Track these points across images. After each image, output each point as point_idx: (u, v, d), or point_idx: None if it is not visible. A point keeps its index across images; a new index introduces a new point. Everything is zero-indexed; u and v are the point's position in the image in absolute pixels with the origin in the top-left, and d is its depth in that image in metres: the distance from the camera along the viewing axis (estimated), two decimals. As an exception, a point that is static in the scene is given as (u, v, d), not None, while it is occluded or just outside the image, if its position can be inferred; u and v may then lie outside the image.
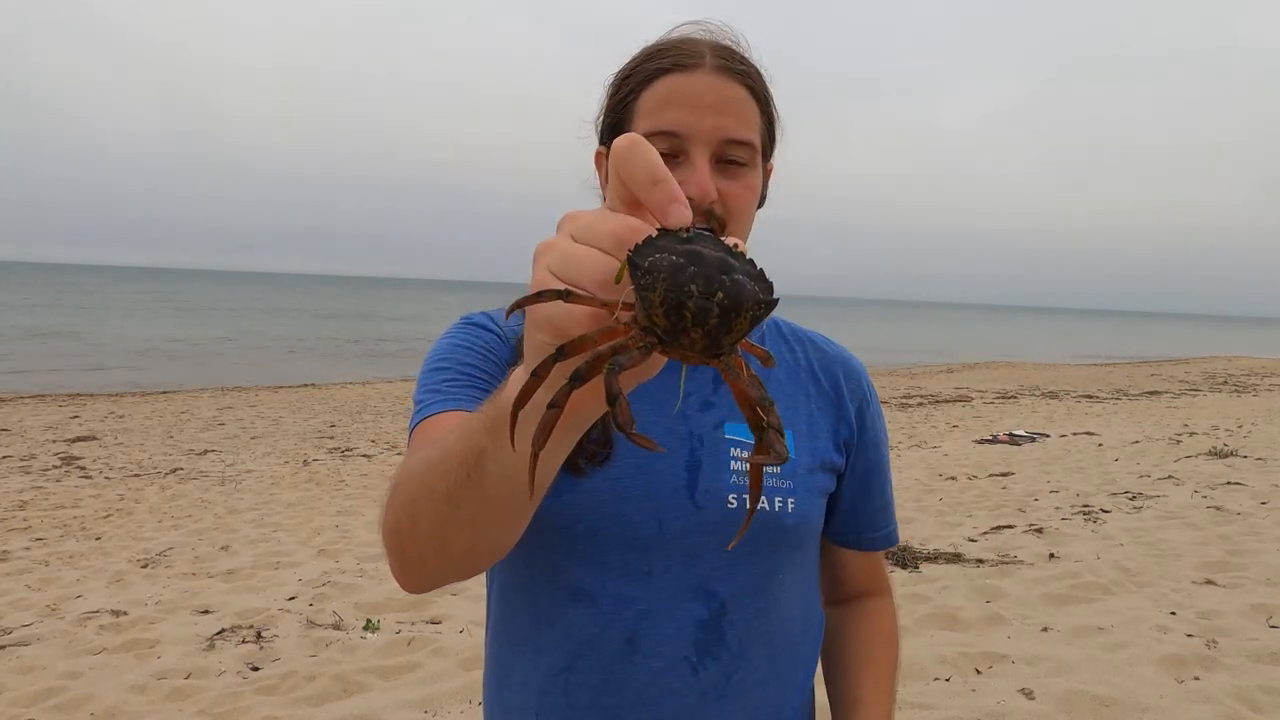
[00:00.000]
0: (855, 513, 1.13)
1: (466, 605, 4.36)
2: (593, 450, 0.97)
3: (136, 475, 7.96)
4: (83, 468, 8.26)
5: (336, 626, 4.10)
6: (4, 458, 8.70)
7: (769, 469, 0.99)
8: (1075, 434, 10.68)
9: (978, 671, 3.43)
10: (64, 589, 4.72)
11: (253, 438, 10.25)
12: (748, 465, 0.99)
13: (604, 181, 1.00)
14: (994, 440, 10.17)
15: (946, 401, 15.29)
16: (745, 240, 0.99)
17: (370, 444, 9.78)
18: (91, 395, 15.00)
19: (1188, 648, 3.56)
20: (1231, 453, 8.35)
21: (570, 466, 0.96)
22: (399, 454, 9.09)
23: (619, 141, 0.56)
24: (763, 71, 1.00)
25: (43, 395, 14.68)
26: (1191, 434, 10.06)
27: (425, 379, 1.00)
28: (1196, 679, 3.31)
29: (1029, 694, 3.21)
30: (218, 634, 4.01)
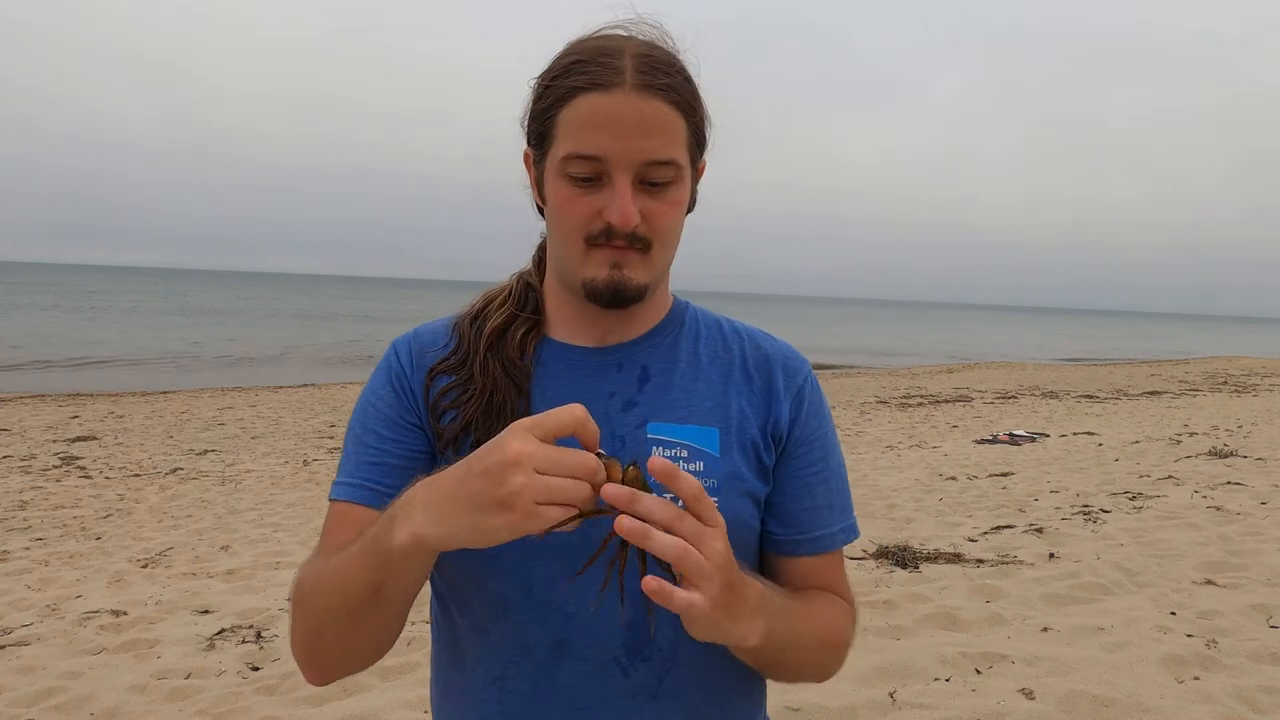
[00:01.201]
0: (793, 512, 1.06)
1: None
2: None
3: (136, 475, 7.97)
4: (83, 468, 8.27)
5: (336, 626, 4.10)
6: (4, 458, 8.70)
7: (691, 467, 0.99)
8: (1075, 434, 10.68)
9: (978, 671, 3.43)
10: (64, 589, 4.72)
11: (253, 438, 10.25)
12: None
13: (534, 181, 1.02)
14: (994, 440, 10.18)
15: (946, 401, 15.30)
16: (671, 251, 1.00)
17: (370, 444, 9.79)
18: (91, 395, 15.01)
19: (1188, 648, 3.56)
20: (1231, 453, 8.35)
21: None
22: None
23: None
24: (689, 70, 0.97)
25: (43, 395, 14.69)
26: (1191, 434, 10.06)
27: (348, 437, 1.06)
28: (1196, 679, 3.31)
29: (1029, 694, 3.21)
30: (218, 634, 4.01)
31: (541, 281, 1.09)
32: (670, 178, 0.94)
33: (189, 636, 4.00)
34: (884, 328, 61.15)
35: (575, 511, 0.75)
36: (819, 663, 1.03)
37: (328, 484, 8.02)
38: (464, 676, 1.03)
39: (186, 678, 3.58)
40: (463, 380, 1.03)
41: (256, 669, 3.65)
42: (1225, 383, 19.35)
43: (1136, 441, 9.68)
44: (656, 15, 0.99)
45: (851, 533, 1.10)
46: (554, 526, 0.75)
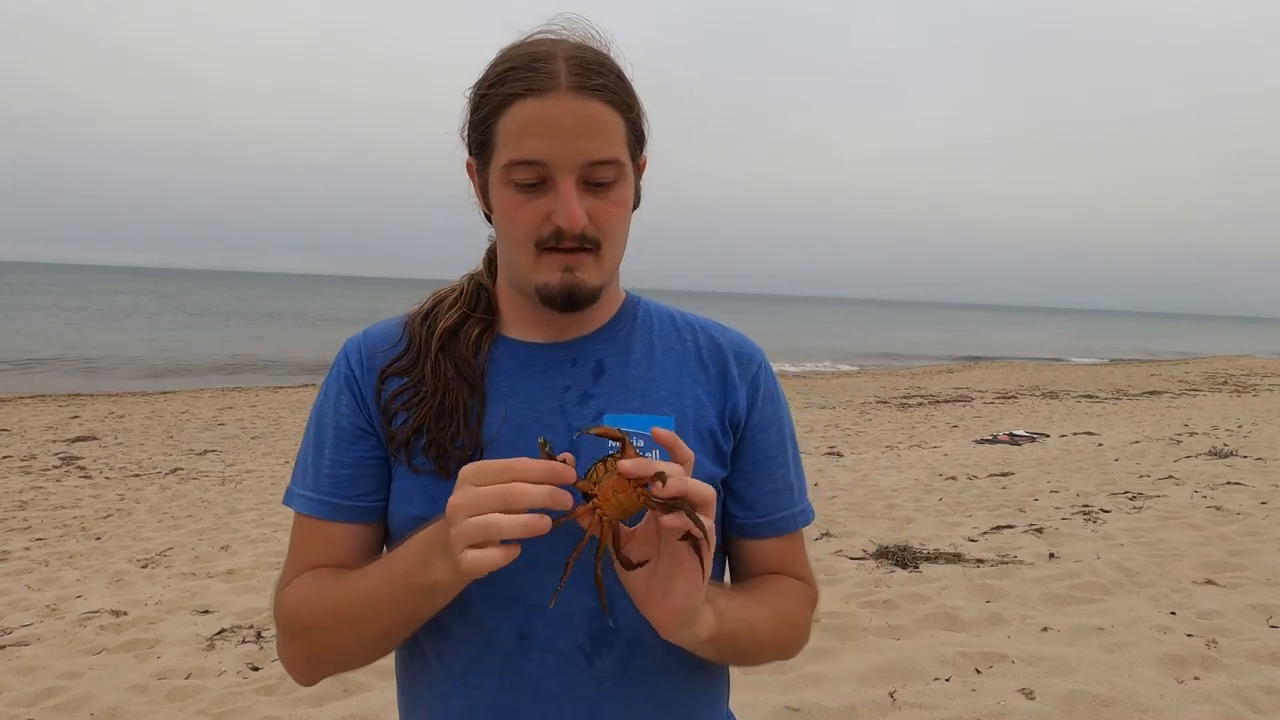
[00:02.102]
0: (754, 495, 1.09)
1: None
2: (460, 455, 0.98)
3: (136, 475, 7.96)
4: (83, 468, 8.27)
5: (336, 626, 4.10)
6: (4, 458, 8.70)
7: (645, 454, 1.00)
8: (1075, 434, 10.68)
9: (978, 671, 3.43)
10: (64, 589, 4.72)
11: (253, 438, 10.25)
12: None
13: (478, 189, 1.02)
14: (994, 440, 10.18)
15: (946, 401, 15.30)
16: (621, 250, 1.02)
17: (370, 444, 9.79)
18: (91, 395, 15.01)
19: (1188, 648, 3.56)
20: (1231, 453, 8.35)
21: (440, 471, 0.99)
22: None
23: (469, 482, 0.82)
24: (622, 67, 0.98)
25: (43, 395, 14.69)
26: (1191, 434, 10.06)
27: (304, 442, 1.08)
28: (1196, 679, 3.31)
29: (1029, 694, 3.21)
30: (218, 634, 4.01)
31: (494, 282, 1.10)
32: (613, 176, 0.95)
33: (189, 636, 4.00)
34: (885, 328, 61.17)
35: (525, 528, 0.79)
36: (780, 643, 1.05)
37: (328, 484, 8.05)
38: (428, 674, 1.04)
39: (186, 678, 3.58)
40: (414, 381, 1.03)
41: (256, 669, 3.65)
42: (1225, 383, 19.35)
43: (1136, 441, 9.68)
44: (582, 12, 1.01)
45: (809, 514, 1.13)
46: (528, 535, 0.79)
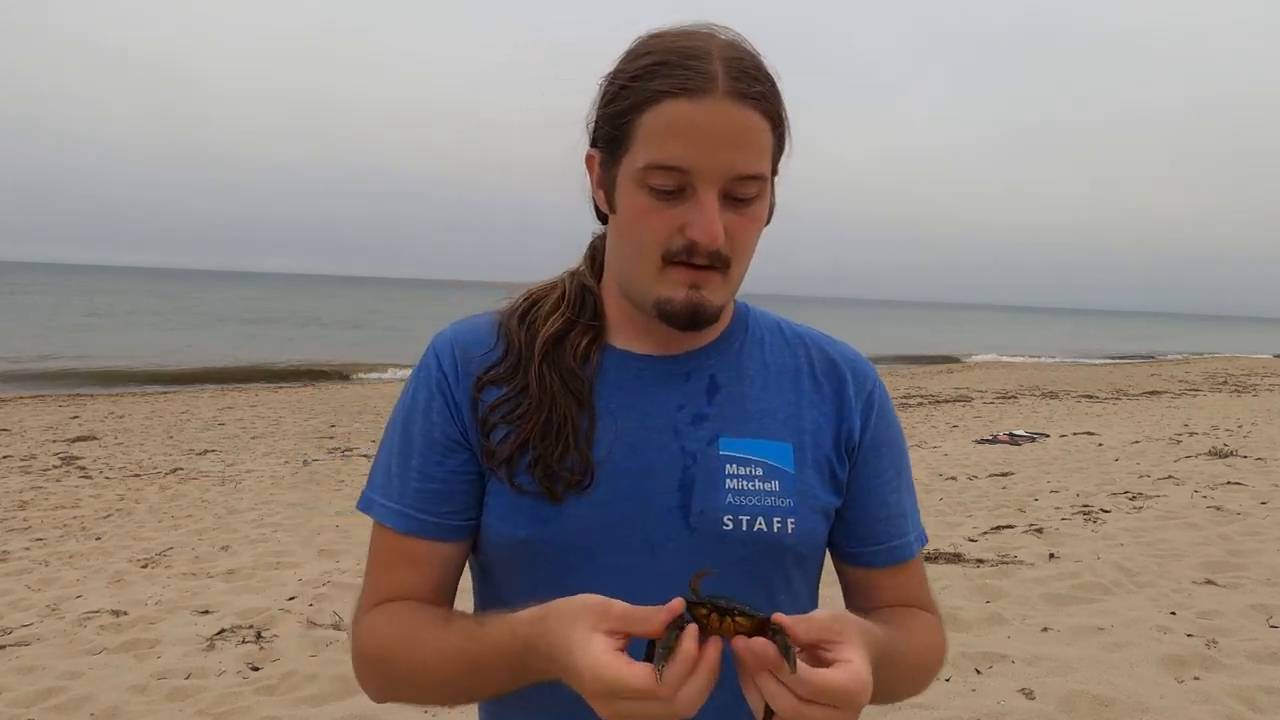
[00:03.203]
0: (862, 525, 1.01)
1: (466, 605, 4.35)
2: (570, 478, 0.91)
3: (136, 475, 7.96)
4: (83, 468, 8.26)
5: (336, 626, 4.10)
6: (4, 458, 8.70)
7: (765, 487, 0.94)
8: (1075, 434, 10.68)
9: (978, 671, 3.43)
10: (64, 589, 4.72)
11: (253, 438, 10.25)
12: (747, 484, 0.93)
13: (596, 184, 0.95)
14: (994, 440, 10.18)
15: (946, 401, 15.30)
16: (746, 268, 0.94)
17: (370, 444, 9.78)
18: (91, 395, 15.01)
19: (1188, 648, 3.56)
20: (1231, 453, 8.35)
21: (548, 493, 0.91)
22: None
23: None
24: (775, 77, 0.90)
25: (43, 395, 14.69)
26: (1191, 434, 10.06)
27: (386, 444, 1.00)
28: (1196, 679, 3.31)
29: (1029, 694, 3.21)
30: (218, 634, 4.01)
31: (598, 282, 1.02)
32: (755, 192, 0.88)
33: (189, 636, 4.00)
34: (885, 328, 61.17)
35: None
36: (918, 684, 1.00)
37: (328, 484, 8.01)
38: (522, 697, 0.92)
39: (186, 678, 3.58)
40: (515, 392, 0.95)
41: (256, 669, 3.65)
42: (1225, 383, 19.35)
43: (1136, 441, 9.68)
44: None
45: (922, 539, 1.06)
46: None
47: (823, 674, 0.71)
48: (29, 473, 7.99)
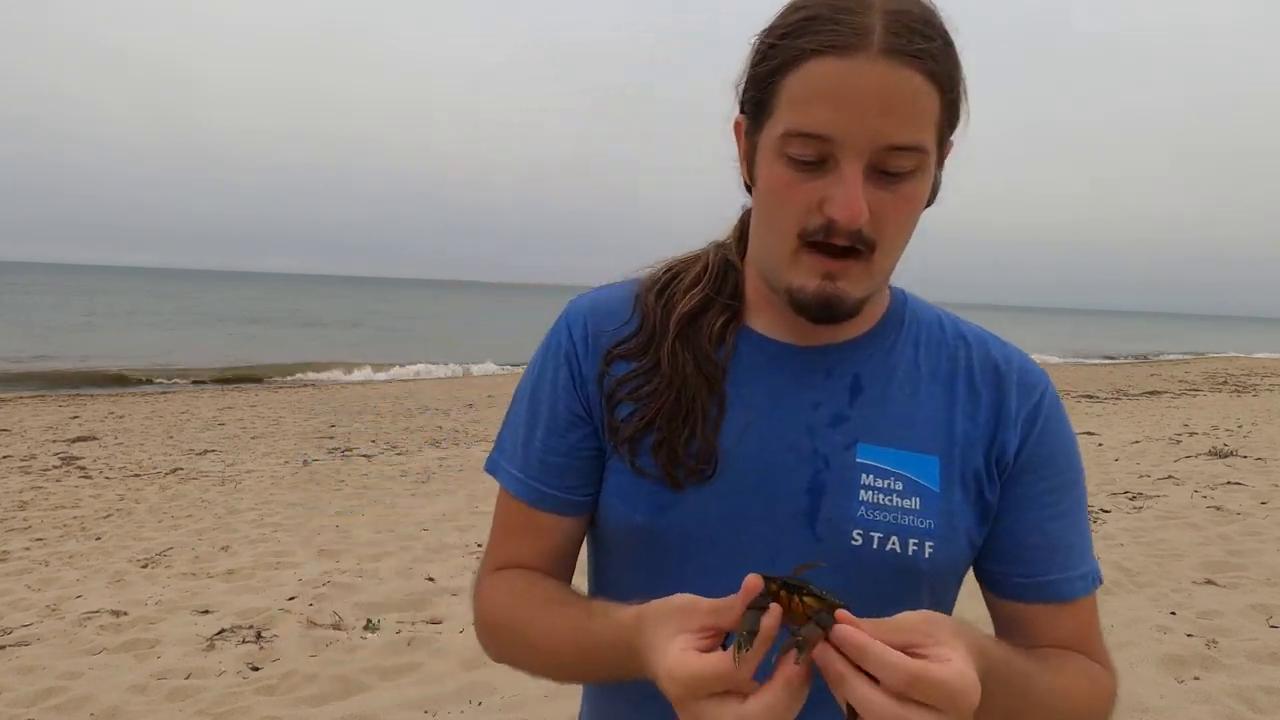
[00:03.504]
0: (1015, 549, 0.89)
1: (467, 606, 4.35)
2: (693, 465, 0.86)
3: (136, 475, 7.96)
4: (83, 468, 8.26)
5: (336, 626, 4.10)
6: (4, 458, 8.69)
7: (904, 504, 0.85)
8: (1075, 433, 10.67)
9: (978, 671, 3.43)
10: (64, 589, 4.72)
11: (253, 438, 10.24)
12: (884, 498, 0.85)
13: (743, 154, 0.87)
14: (994, 440, 10.17)
15: (946, 401, 15.27)
16: (897, 256, 0.84)
17: (370, 444, 9.78)
18: (91, 395, 15.01)
19: (1188, 648, 3.56)
20: (1231, 453, 8.35)
21: (669, 479, 0.87)
22: (399, 454, 9.09)
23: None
24: (950, 30, 0.78)
25: (43, 395, 14.69)
26: (1191, 434, 10.06)
27: (514, 409, 0.98)
28: (1196, 679, 3.31)
29: (1029, 694, 3.21)
30: (218, 634, 4.01)
31: (742, 259, 0.94)
32: (911, 167, 0.77)
33: (189, 636, 4.00)
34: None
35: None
36: None
37: (328, 484, 8.00)
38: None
39: (186, 678, 3.58)
40: (646, 369, 0.90)
41: (256, 669, 3.65)
42: (1225, 383, 19.35)
43: (1136, 441, 9.67)
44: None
45: (1092, 579, 0.91)
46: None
47: (919, 662, 0.62)
48: (29, 473, 7.98)
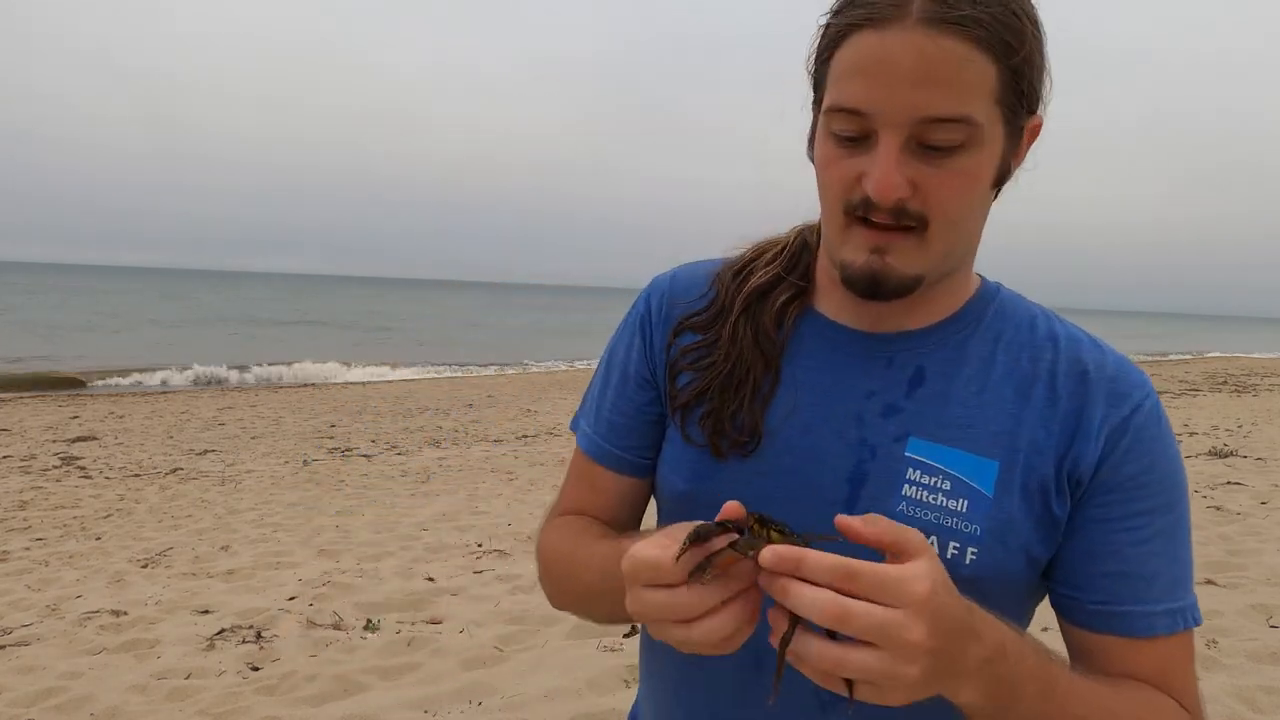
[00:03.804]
0: (1088, 573, 0.82)
1: (467, 606, 4.36)
2: (736, 438, 0.87)
3: (136, 475, 7.96)
4: (83, 468, 8.26)
5: (336, 626, 4.10)
6: (4, 458, 8.69)
7: (949, 504, 0.81)
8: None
9: (978, 671, 3.43)
10: (64, 589, 4.72)
11: (253, 438, 10.25)
12: (929, 495, 0.81)
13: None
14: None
15: (946, 401, 15.28)
16: (962, 235, 0.81)
17: (370, 444, 9.78)
18: (91, 395, 15.01)
19: (1188, 648, 3.56)
20: (1231, 453, 8.35)
21: (712, 446, 0.88)
22: (399, 454, 9.09)
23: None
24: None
25: (43, 395, 14.69)
26: (1191, 434, 10.06)
27: (592, 380, 1.04)
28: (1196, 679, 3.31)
29: (1029, 694, 3.21)
30: (218, 634, 4.01)
31: (819, 242, 0.93)
32: (958, 140, 0.74)
33: (189, 636, 4.00)
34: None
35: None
36: None
37: (328, 484, 8.00)
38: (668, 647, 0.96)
39: (186, 678, 3.58)
40: (709, 341, 0.92)
41: (256, 669, 3.65)
42: (1225, 383, 19.35)
43: (1136, 441, 9.68)
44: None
45: (1186, 618, 0.82)
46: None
47: (850, 559, 0.59)
48: (29, 473, 7.99)
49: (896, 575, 0.59)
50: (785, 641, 0.62)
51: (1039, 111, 0.81)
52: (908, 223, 0.77)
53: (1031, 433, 0.82)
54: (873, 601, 0.58)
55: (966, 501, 0.81)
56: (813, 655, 0.60)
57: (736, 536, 0.65)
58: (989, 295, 0.90)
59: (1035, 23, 0.77)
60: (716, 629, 0.64)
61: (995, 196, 0.84)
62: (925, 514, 0.82)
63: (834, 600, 0.58)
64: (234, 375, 18.78)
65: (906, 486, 0.82)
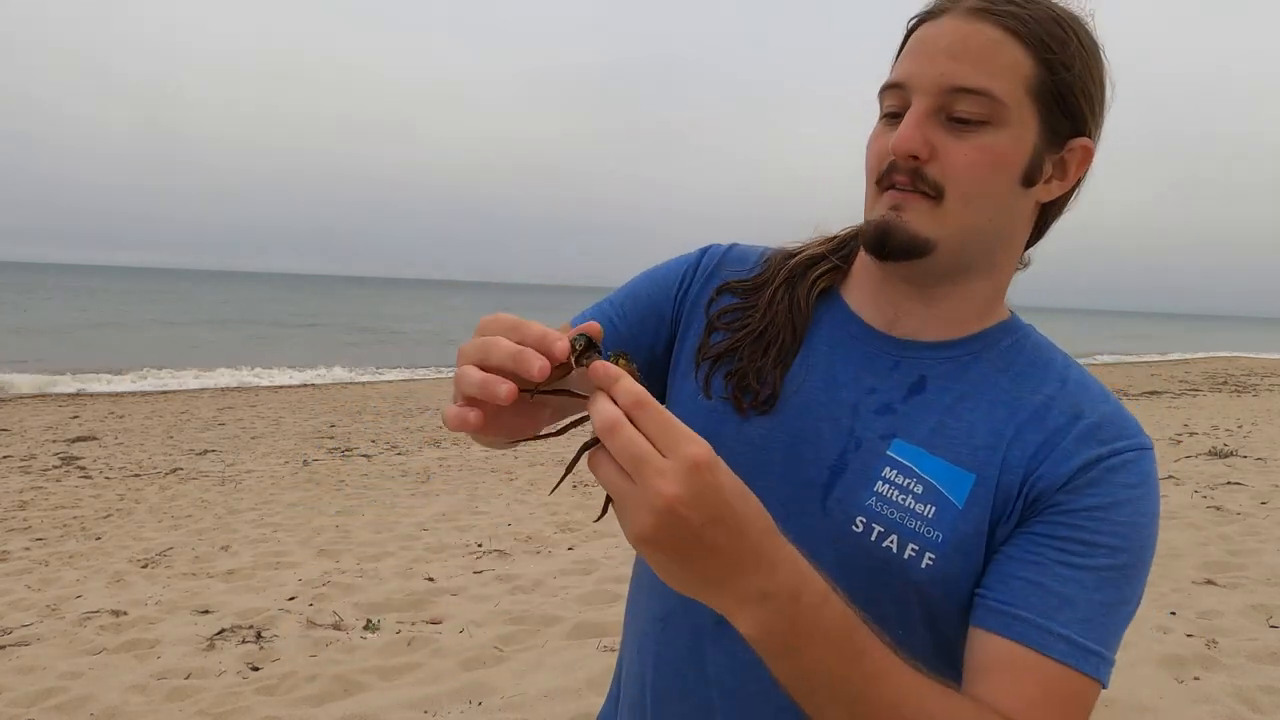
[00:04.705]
0: (1000, 572, 0.79)
1: (467, 605, 4.36)
2: (757, 391, 0.90)
3: (136, 475, 7.96)
4: (83, 468, 8.26)
5: (336, 626, 4.10)
6: (4, 458, 8.69)
7: (916, 507, 0.82)
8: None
9: (978, 671, 3.43)
10: (64, 589, 4.72)
11: (253, 438, 10.24)
12: (899, 495, 0.83)
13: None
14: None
15: (946, 401, 15.26)
16: (977, 213, 0.81)
17: (370, 444, 9.78)
18: (91, 395, 15.01)
19: (1188, 648, 3.56)
20: (1231, 453, 8.35)
21: (734, 401, 0.90)
22: (399, 453, 9.09)
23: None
24: (1075, 18, 0.80)
25: (43, 395, 14.68)
26: (1191, 434, 10.06)
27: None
28: (1196, 679, 3.31)
29: (1029, 694, 3.21)
30: (218, 634, 4.01)
31: None
32: (982, 115, 0.78)
33: (189, 636, 4.00)
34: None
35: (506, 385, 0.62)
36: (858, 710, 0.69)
37: (328, 484, 8.01)
38: (642, 597, 1.01)
39: (186, 678, 3.58)
40: (748, 305, 0.95)
41: (256, 669, 3.65)
42: (1225, 383, 19.35)
43: (1136, 441, 9.68)
44: None
45: (1090, 662, 0.76)
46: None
47: (650, 396, 0.61)
48: (29, 473, 7.98)
49: (682, 431, 0.60)
50: (586, 446, 0.64)
51: (1091, 137, 0.83)
52: (924, 188, 0.80)
53: (1010, 451, 0.82)
54: (650, 441, 0.59)
55: (934, 508, 0.81)
56: (598, 462, 0.62)
57: (597, 355, 0.66)
58: (1011, 329, 0.90)
59: (1085, 43, 0.81)
60: (500, 384, 0.62)
61: (1035, 208, 0.86)
62: (892, 512, 0.82)
63: (615, 415, 0.59)
64: (234, 375, 18.79)
65: (880, 483, 0.84)
